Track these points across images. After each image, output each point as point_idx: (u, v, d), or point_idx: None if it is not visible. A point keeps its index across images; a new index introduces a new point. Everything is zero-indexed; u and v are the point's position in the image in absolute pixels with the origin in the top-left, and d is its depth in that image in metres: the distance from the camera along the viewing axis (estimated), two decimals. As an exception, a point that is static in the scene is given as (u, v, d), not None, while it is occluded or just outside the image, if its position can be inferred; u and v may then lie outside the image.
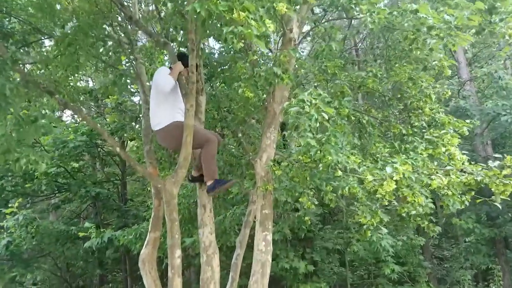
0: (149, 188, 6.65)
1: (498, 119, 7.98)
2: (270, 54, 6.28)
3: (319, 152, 2.61)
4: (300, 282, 7.00)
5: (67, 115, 13.61)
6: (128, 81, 4.47)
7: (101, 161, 12.35)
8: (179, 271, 3.41)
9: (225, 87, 5.53)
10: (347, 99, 2.75)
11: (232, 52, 5.47)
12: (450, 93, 5.01)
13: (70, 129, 9.30)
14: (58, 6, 4.20)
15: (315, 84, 3.69)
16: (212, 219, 3.99)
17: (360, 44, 8.16)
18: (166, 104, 3.57)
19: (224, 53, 5.94)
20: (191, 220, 5.20)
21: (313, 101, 2.38)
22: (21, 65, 3.24)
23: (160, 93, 3.53)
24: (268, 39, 5.19)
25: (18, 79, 2.92)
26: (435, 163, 3.23)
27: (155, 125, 3.59)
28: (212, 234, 3.91)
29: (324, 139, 2.59)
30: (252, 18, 1.95)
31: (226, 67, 5.61)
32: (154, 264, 3.86)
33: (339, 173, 2.70)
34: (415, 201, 2.89)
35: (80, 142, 9.06)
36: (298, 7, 3.42)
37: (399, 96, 4.14)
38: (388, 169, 2.69)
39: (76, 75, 4.40)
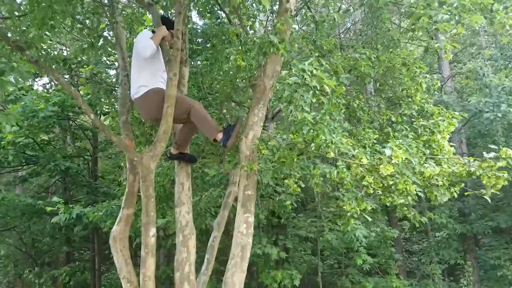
0: (122, 164, 6.33)
1: (479, 116, 8.07)
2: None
3: (312, 131, 2.43)
4: (271, 269, 6.93)
5: (38, 85, 12.91)
6: (106, 45, 4.13)
7: (72, 134, 11.82)
8: (153, 250, 3.21)
9: (208, 65, 5.27)
10: (344, 76, 2.58)
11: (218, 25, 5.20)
12: (439, 84, 4.96)
13: (41, 98, 8.75)
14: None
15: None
16: (190, 198, 3.79)
17: (346, 32, 8.02)
18: (146, 71, 3.29)
19: (208, 29, 5.65)
20: (166, 199, 4.96)
21: (314, 72, 2.19)
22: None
23: (140, 58, 3.25)
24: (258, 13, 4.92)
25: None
26: (428, 151, 3.13)
27: (134, 93, 3.32)
28: (189, 214, 3.72)
29: (318, 117, 2.41)
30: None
31: (209, 44, 5.35)
32: (126, 242, 3.64)
33: (332, 154, 2.54)
34: (406, 189, 2.78)
35: (52, 112, 8.55)
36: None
37: (390, 82, 4.02)
38: (387, 151, 2.56)
39: (50, 38, 4.02)
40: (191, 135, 3.67)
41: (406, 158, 2.57)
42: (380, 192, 3.62)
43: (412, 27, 2.91)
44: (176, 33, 3.37)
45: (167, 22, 3.50)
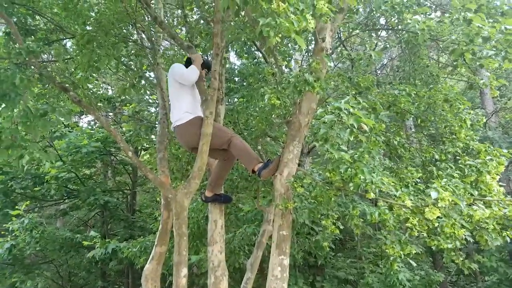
0: (158, 199, 6.39)
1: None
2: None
3: (350, 169, 2.33)
4: (308, 313, 6.55)
5: (83, 122, 13.67)
6: (146, 85, 4.31)
7: (113, 169, 12.24)
8: (185, 291, 3.13)
9: (244, 102, 5.35)
10: (384, 113, 2.49)
11: (254, 65, 5.31)
12: (484, 120, 4.71)
13: (85, 134, 9.21)
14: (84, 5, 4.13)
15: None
16: (223, 236, 3.72)
17: (383, 69, 7.94)
18: (189, 98, 3.41)
19: (244, 69, 5.79)
20: (200, 236, 4.90)
21: (351, 110, 2.12)
22: (37, 60, 3.09)
23: (183, 85, 3.37)
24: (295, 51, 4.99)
25: (31, 71, 2.75)
26: (476, 192, 2.90)
27: (177, 120, 3.38)
28: (222, 253, 3.63)
29: (356, 155, 2.31)
30: (291, 12, 1.73)
31: (246, 83, 5.46)
32: (158, 282, 3.58)
33: (372, 195, 2.41)
34: (454, 233, 2.56)
35: (94, 148, 8.95)
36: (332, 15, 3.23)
37: (432, 118, 3.85)
38: (433, 194, 2.39)
39: (95, 79, 4.26)
40: (226, 173, 3.66)
41: (453, 201, 2.39)
42: (425, 235, 3.38)
43: (454, 63, 2.79)
44: (213, 74, 3.47)
45: (203, 61, 3.62)
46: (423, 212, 2.89)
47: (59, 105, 2.89)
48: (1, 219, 9.31)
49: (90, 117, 13.52)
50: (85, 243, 7.49)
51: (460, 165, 3.66)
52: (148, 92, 7.82)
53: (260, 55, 6.39)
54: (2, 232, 9.01)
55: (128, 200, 12.57)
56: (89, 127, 11.45)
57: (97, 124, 11.36)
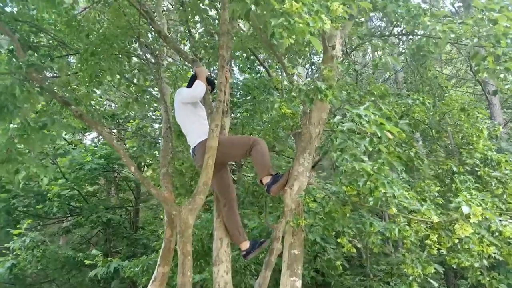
0: (161, 216, 6.19)
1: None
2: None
3: (369, 182, 2.16)
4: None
5: (87, 139, 13.60)
6: (150, 99, 4.19)
7: (116, 186, 12.09)
8: (190, 315, 2.92)
9: (248, 116, 5.22)
10: (403, 121, 2.33)
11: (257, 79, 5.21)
12: (501, 129, 4.54)
13: (88, 151, 9.10)
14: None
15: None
16: (229, 256, 3.52)
17: (386, 81, 7.82)
18: (201, 119, 3.40)
19: (249, 81, 5.70)
20: (204, 254, 4.69)
21: (372, 117, 1.96)
22: (39, 75, 2.98)
23: (193, 100, 3.36)
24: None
25: (32, 84, 2.63)
26: (503, 206, 2.71)
27: (195, 140, 3.32)
28: (228, 273, 3.43)
29: (375, 167, 2.14)
30: (305, 12, 1.60)
31: (250, 96, 5.36)
32: (161, 304, 3.37)
33: (394, 210, 2.23)
34: (483, 251, 2.36)
35: (97, 165, 8.81)
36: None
37: (448, 129, 3.68)
38: (465, 209, 2.20)
39: (99, 96, 4.17)
40: (237, 217, 3.46)
41: (489, 216, 2.20)
42: (444, 252, 3.17)
43: (476, 68, 2.64)
44: (219, 86, 3.36)
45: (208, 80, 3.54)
46: (445, 228, 2.70)
47: (59, 119, 2.76)
48: (2, 237, 9.13)
49: (94, 134, 13.48)
50: (87, 261, 7.26)
51: (480, 177, 3.48)
52: (151, 108, 7.74)
53: (263, 69, 6.34)
54: (3, 251, 8.83)
55: (131, 217, 12.37)
56: (93, 144, 11.36)
57: (101, 141, 11.28)
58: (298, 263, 2.79)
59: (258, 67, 6.86)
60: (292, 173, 3.03)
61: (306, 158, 3.00)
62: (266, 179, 3.05)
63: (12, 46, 3.54)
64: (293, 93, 2.45)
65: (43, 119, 2.46)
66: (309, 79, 2.91)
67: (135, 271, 5.32)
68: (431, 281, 3.10)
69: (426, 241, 2.84)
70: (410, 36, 4.16)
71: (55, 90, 3.06)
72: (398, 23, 2.99)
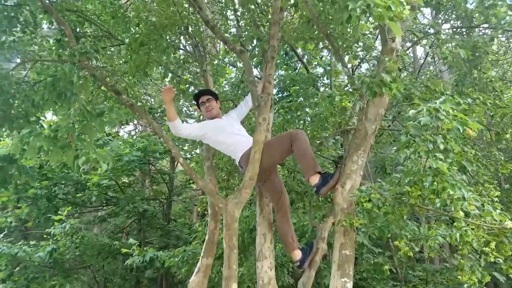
0: (199, 209, 6.20)
1: None
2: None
3: (436, 183, 2.01)
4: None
5: (124, 131, 13.94)
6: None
7: (151, 178, 12.32)
8: (236, 310, 2.88)
9: (291, 111, 5.10)
10: (476, 119, 2.16)
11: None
12: None
13: (126, 144, 9.30)
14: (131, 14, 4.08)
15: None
16: (273, 251, 3.46)
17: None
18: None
19: (297, 75, 5.57)
20: (244, 249, 4.64)
21: (451, 112, 1.82)
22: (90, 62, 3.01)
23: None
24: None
25: (84, 72, 2.65)
26: None
27: (239, 154, 3.33)
28: (272, 270, 3.36)
29: (445, 167, 1.99)
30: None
31: (291, 92, 5.23)
32: (204, 295, 3.35)
33: (461, 214, 2.07)
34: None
35: (135, 157, 8.98)
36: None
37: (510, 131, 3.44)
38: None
39: (139, 89, 4.21)
40: (290, 225, 3.37)
41: None
42: (501, 261, 2.96)
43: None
44: (268, 78, 3.29)
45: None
46: (506, 235, 2.51)
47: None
48: (44, 223, 9.51)
49: (130, 127, 13.81)
50: (124, 250, 7.42)
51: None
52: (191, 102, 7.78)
53: (300, 65, 6.19)
54: (45, 236, 9.21)
55: (164, 209, 12.59)
56: (130, 136, 11.63)
57: (138, 134, 11.52)
58: (350, 264, 2.68)
59: (295, 62, 6.70)
60: (343, 171, 2.91)
61: (360, 156, 2.87)
62: (314, 179, 2.93)
63: (59, 36, 3.59)
64: (354, 86, 2.33)
65: (100, 106, 2.48)
66: (368, 71, 2.78)
67: (174, 261, 5.37)
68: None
69: (484, 248, 2.66)
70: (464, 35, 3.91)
71: (106, 78, 3.09)
72: (462, 17, 2.77)
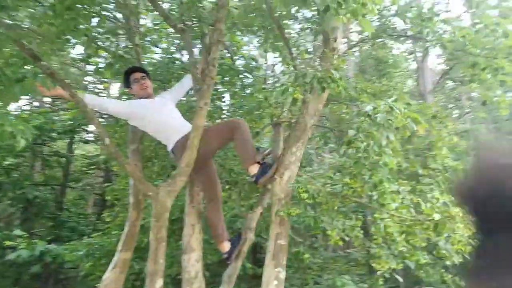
0: (113, 196, 5.71)
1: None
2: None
3: (373, 176, 2.16)
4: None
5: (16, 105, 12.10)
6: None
7: (43, 161, 10.95)
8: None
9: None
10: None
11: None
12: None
13: (18, 119, 8.07)
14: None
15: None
16: (201, 243, 3.35)
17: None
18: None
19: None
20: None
21: (403, 110, 1.96)
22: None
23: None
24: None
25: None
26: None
27: (173, 139, 3.14)
28: (199, 262, 3.26)
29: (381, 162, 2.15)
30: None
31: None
32: (121, 293, 3.09)
33: (392, 206, 2.26)
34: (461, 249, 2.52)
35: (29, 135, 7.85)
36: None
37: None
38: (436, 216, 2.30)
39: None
40: (221, 214, 3.29)
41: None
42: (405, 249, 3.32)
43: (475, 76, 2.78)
44: (212, 61, 3.15)
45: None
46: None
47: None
48: None
49: (22, 101, 12.07)
50: (8, 242, 6.45)
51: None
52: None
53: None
54: None
55: (56, 197, 11.32)
56: (22, 112, 10.14)
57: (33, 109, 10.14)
58: (284, 254, 2.73)
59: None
60: (282, 162, 2.95)
61: (298, 148, 2.94)
62: (253, 169, 2.91)
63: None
64: (305, 80, 2.36)
65: (22, 71, 2.03)
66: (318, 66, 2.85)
67: (78, 255, 4.82)
68: (397, 276, 3.24)
69: (397, 238, 2.95)
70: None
71: (22, 39, 2.59)
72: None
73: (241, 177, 4.10)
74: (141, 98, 3.28)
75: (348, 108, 3.63)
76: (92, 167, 12.49)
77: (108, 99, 3.08)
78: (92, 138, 12.58)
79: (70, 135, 10.41)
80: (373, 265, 3.24)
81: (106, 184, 7.86)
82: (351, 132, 2.09)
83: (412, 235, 2.80)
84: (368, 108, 2.03)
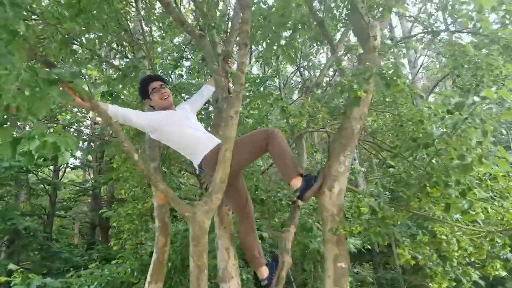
0: (118, 222, 5.26)
1: None
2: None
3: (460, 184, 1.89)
4: None
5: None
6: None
7: (29, 189, 10.31)
8: None
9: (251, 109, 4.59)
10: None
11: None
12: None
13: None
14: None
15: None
16: (238, 269, 2.99)
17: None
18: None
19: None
20: (183, 269, 3.97)
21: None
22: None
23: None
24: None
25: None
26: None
27: (201, 153, 2.83)
28: (239, 291, 2.89)
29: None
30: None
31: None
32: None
33: (481, 216, 1.99)
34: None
35: (16, 162, 7.32)
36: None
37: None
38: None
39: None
40: (255, 236, 2.97)
41: None
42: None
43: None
44: (240, 67, 2.86)
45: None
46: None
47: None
48: None
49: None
50: (2, 278, 5.85)
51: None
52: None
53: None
54: None
55: (44, 226, 10.65)
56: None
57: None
58: (346, 278, 2.40)
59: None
60: (329, 173, 2.65)
61: (347, 156, 2.65)
62: (297, 182, 2.58)
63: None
64: (355, 81, 2.11)
65: (57, 71, 1.67)
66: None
67: (88, 290, 4.33)
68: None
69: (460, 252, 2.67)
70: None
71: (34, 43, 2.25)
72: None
73: (267, 194, 3.77)
74: (162, 109, 2.96)
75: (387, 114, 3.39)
76: (81, 194, 11.91)
77: (132, 110, 2.73)
78: (78, 164, 12.02)
79: (55, 161, 9.88)
80: (431, 284, 2.94)
81: (102, 211, 7.34)
82: (437, 132, 1.83)
83: (480, 249, 2.54)
84: (476, 99, 1.74)
